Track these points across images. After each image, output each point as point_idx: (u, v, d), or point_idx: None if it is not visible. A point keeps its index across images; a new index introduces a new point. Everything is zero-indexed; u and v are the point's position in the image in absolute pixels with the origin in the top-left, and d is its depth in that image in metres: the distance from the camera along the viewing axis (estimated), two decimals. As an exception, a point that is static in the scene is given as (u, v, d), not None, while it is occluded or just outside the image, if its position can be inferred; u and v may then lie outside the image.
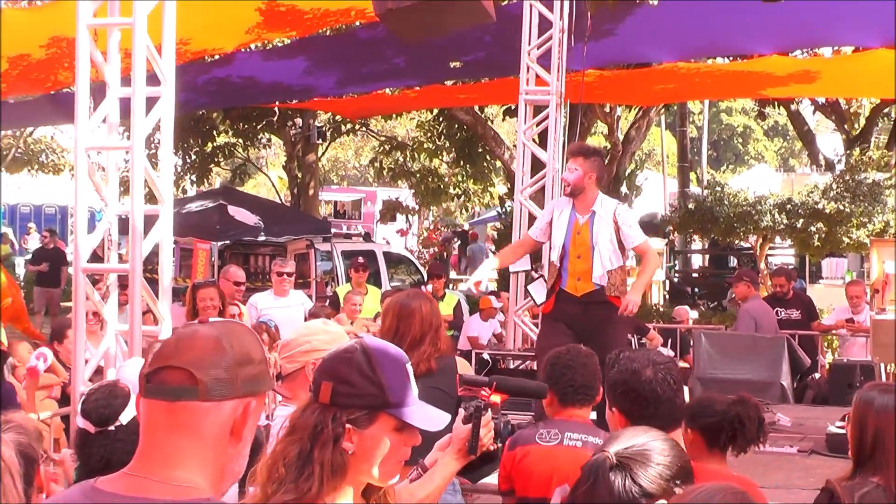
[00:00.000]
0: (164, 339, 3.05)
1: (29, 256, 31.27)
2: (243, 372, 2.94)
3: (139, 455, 2.93)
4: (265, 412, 8.73)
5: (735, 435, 5.83)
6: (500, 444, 4.98)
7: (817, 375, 15.85)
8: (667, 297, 31.64)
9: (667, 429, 4.71)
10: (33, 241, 32.15)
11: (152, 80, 8.88)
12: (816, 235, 25.10)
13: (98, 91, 9.04)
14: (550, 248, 11.08)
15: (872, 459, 5.10)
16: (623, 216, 10.74)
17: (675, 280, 33.44)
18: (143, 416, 2.96)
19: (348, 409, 3.59)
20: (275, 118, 31.16)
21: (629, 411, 5.06)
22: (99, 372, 9.08)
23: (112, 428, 4.87)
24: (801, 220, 25.15)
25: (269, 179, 45.01)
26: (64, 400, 10.79)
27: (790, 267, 24.36)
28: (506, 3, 15.32)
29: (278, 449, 3.65)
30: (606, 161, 26.75)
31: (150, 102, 8.86)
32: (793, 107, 31.78)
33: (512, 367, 13.67)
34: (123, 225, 9.36)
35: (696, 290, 32.63)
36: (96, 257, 9.88)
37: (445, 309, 16.45)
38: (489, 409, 4.78)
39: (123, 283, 9.40)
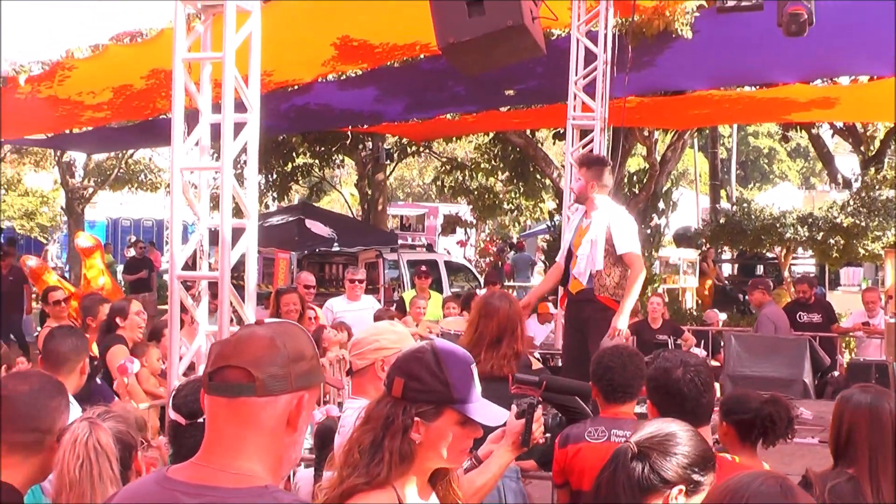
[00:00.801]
0: (223, 341, 3.08)
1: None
2: (296, 368, 2.97)
3: (204, 446, 2.99)
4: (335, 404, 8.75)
5: (766, 431, 5.80)
6: (548, 437, 4.98)
7: (836, 373, 15.76)
8: (699, 302, 31.49)
9: (693, 424, 4.71)
10: (133, 252, 32.32)
11: (240, 107, 8.91)
12: (835, 247, 24.93)
13: (192, 117, 9.08)
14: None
15: (846, 452, 5.05)
16: (617, 223, 10.39)
17: (728, 288, 33.17)
18: (207, 411, 3.01)
19: (417, 403, 3.64)
20: (348, 141, 31.18)
21: (659, 405, 5.08)
22: (192, 367, 9.13)
23: (201, 420, 4.88)
24: (822, 233, 24.98)
25: (343, 196, 45.02)
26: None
27: (812, 275, 24.26)
28: (555, 37, 15.27)
29: (354, 436, 3.72)
30: (645, 180, 26.78)
31: (238, 127, 8.88)
32: (813, 130, 31.53)
33: (560, 364, 13.59)
34: (213, 237, 9.40)
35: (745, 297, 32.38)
36: (189, 266, 9.92)
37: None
38: (540, 406, 4.79)
39: (213, 289, 9.45)
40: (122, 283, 28.75)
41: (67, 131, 23.19)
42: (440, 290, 20.92)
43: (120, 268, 34.47)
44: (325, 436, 6.36)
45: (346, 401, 5.56)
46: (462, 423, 3.68)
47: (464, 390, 3.68)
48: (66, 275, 31.84)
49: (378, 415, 3.68)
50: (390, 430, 3.62)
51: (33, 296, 25.88)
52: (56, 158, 39.66)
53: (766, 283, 18.04)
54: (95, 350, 10.34)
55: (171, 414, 5.00)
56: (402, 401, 3.65)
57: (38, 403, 4.17)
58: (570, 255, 10.63)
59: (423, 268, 18.18)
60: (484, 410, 3.72)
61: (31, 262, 19.74)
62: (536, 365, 7.28)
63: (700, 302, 31.21)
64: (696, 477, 3.77)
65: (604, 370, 6.19)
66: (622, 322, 10.23)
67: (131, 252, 33.74)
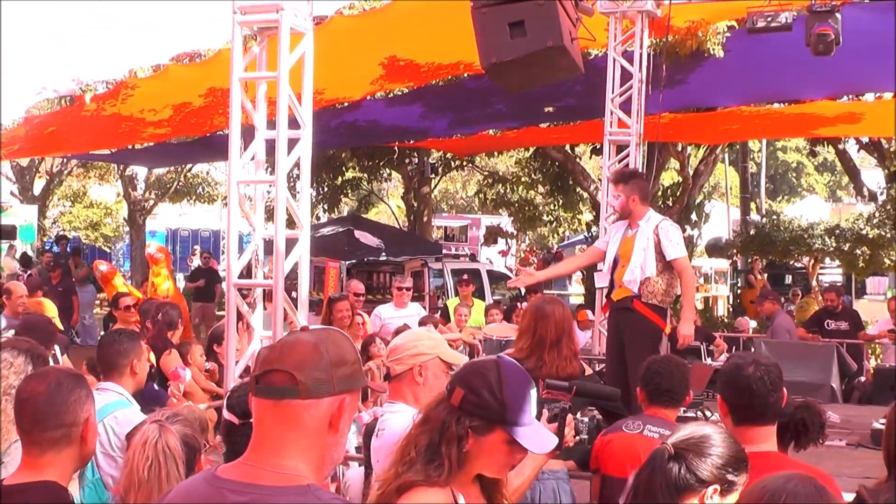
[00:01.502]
0: (269, 346, 3.10)
1: (188, 274, 31.53)
2: (338, 372, 2.98)
3: (251, 446, 3.01)
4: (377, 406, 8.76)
5: (799, 435, 5.74)
6: (582, 438, 4.98)
7: (863, 378, 15.64)
8: (730, 309, 31.37)
9: (759, 421, 4.79)
10: (197, 261, 32.44)
11: (293, 124, 8.96)
12: (861, 257, 24.81)
13: (247, 133, 9.13)
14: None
15: None
16: (664, 230, 10.25)
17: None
18: (255, 413, 3.03)
19: (472, 416, 3.66)
20: (395, 156, 31.24)
21: (728, 400, 4.98)
22: (248, 371, 9.15)
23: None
24: (848, 244, 24.87)
25: (390, 208, 45.12)
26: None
27: (839, 284, 24.11)
28: (593, 57, 15.23)
29: (413, 434, 3.75)
30: (678, 193, 26.69)
31: (292, 143, 8.93)
32: (840, 145, 31.31)
33: (597, 369, 13.55)
34: (268, 246, 9.44)
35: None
36: (244, 275, 9.95)
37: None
38: (571, 410, 4.80)
39: (268, 296, 9.50)
40: (183, 289, 28.93)
41: (130, 147, 23.32)
42: (482, 298, 20.93)
43: (180, 276, 34.65)
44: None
45: (385, 405, 5.54)
46: (509, 442, 3.68)
47: (518, 413, 3.68)
48: (129, 281, 32.03)
49: (436, 418, 3.71)
50: (445, 437, 3.65)
51: (97, 301, 26.13)
52: (119, 172, 40.05)
53: (774, 294, 18.04)
54: (152, 358, 10.39)
55: (226, 414, 5.03)
56: (458, 410, 3.67)
57: (58, 399, 4.17)
58: (614, 265, 10.56)
59: (466, 276, 18.19)
60: (533, 435, 3.72)
61: (103, 266, 19.92)
62: (587, 370, 7.30)
63: (731, 310, 31.08)
64: (730, 477, 3.77)
65: (652, 374, 6.32)
66: (687, 328, 10.28)
67: (194, 262, 33.85)
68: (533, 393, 3.77)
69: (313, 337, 3.03)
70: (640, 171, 12.68)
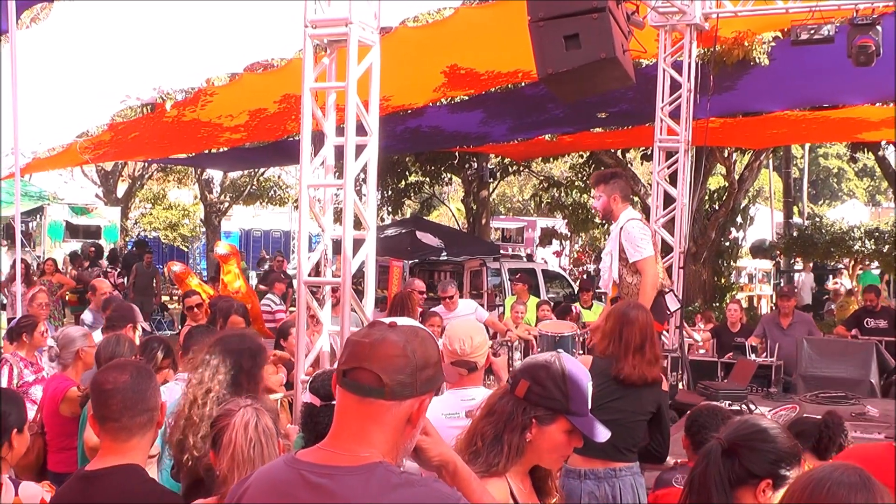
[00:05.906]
0: (359, 340, 3.06)
1: (260, 274, 31.68)
2: (422, 374, 2.97)
3: (332, 433, 3.02)
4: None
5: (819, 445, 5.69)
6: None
7: (901, 374, 15.49)
8: (773, 308, 31.09)
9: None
10: (267, 264, 32.59)
11: (360, 130, 8.97)
12: (900, 258, 24.63)
13: (317, 139, 9.16)
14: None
15: None
16: (626, 232, 9.93)
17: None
18: (338, 402, 3.04)
19: (537, 406, 3.68)
20: (455, 161, 31.31)
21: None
22: (315, 364, 9.18)
23: (335, 402, 4.94)
24: (887, 246, 24.67)
25: (450, 210, 45.24)
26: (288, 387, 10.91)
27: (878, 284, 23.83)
28: (643, 66, 15.18)
29: (479, 427, 3.77)
30: (724, 197, 26.52)
31: (359, 148, 8.94)
32: (879, 152, 31.04)
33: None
34: (336, 246, 9.45)
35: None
36: (314, 272, 9.98)
37: (592, 317, 16.39)
38: None
39: (336, 293, 9.52)
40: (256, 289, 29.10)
41: (207, 151, 23.51)
42: (538, 296, 20.91)
43: (252, 273, 34.87)
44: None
45: (465, 391, 5.53)
46: (570, 431, 3.70)
47: (579, 404, 3.70)
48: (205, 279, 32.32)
49: (501, 410, 3.73)
50: (510, 426, 3.67)
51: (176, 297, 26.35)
52: (196, 176, 40.45)
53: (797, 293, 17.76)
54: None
55: (306, 397, 5.06)
56: (524, 401, 3.69)
57: (142, 387, 4.32)
58: None
59: (521, 275, 18.17)
60: (591, 425, 3.74)
61: (176, 267, 19.98)
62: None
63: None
64: (783, 472, 3.70)
65: (699, 427, 5.98)
66: None
67: (265, 264, 34.05)
68: (590, 386, 3.77)
69: (401, 338, 3.00)
70: (621, 171, 12.42)
